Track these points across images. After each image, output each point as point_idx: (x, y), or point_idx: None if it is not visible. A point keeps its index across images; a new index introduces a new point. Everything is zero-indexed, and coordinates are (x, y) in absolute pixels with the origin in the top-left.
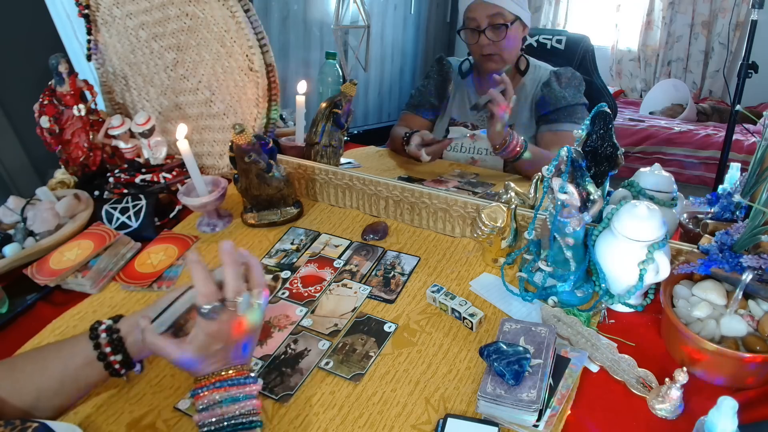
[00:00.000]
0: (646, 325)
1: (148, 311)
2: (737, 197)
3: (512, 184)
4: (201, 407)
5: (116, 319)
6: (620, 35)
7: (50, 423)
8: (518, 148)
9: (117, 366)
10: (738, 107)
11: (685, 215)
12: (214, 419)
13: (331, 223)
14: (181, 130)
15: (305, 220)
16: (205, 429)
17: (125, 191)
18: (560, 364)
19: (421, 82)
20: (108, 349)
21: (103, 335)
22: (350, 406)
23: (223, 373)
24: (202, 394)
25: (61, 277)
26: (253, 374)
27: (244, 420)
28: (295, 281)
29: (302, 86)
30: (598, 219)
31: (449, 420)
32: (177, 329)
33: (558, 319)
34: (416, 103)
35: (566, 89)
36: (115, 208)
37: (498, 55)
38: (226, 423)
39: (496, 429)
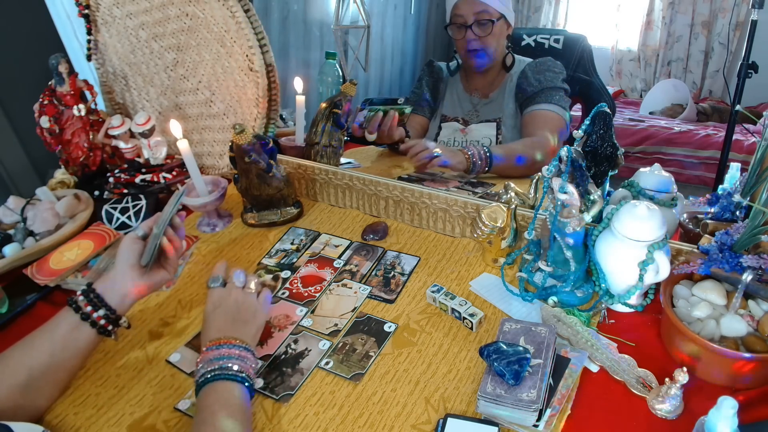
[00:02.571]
0: (646, 325)
1: (121, 259)
2: (737, 197)
3: (512, 184)
4: (198, 368)
5: (88, 285)
6: (620, 35)
7: (12, 424)
8: (485, 160)
9: (103, 322)
10: (738, 107)
11: (685, 215)
12: (207, 370)
13: (331, 223)
14: (176, 127)
15: (305, 220)
16: (200, 380)
17: (125, 191)
18: (560, 364)
19: (414, 85)
20: (89, 309)
21: (81, 298)
22: (350, 406)
23: (221, 338)
24: (200, 359)
25: (61, 277)
26: (251, 349)
27: (232, 374)
28: (295, 281)
29: (299, 84)
30: (598, 219)
31: (449, 420)
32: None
33: (558, 319)
34: (412, 103)
35: (542, 75)
36: (115, 208)
37: (483, 50)
38: (216, 373)
39: (496, 429)
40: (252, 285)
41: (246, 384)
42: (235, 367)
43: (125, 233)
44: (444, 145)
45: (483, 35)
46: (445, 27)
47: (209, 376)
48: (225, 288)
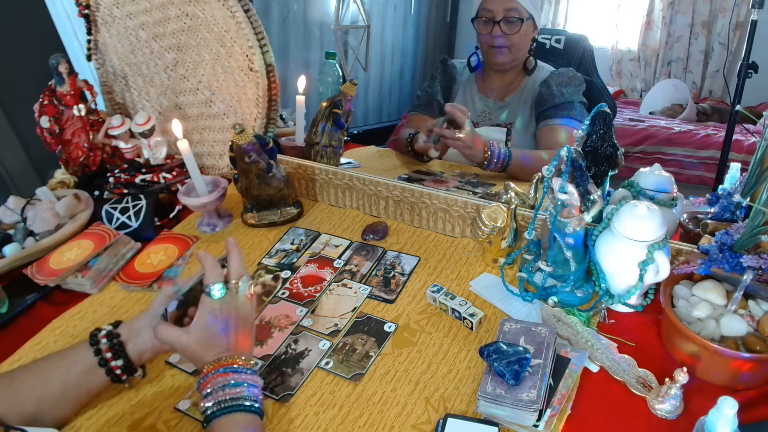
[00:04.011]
0: (646, 325)
1: (151, 312)
2: (737, 197)
3: (512, 184)
4: (205, 393)
5: (115, 324)
6: (620, 35)
7: (29, 429)
8: (503, 158)
9: (118, 372)
10: (738, 107)
11: (685, 215)
12: (216, 401)
13: (331, 223)
14: (177, 127)
15: (305, 220)
16: (209, 412)
17: (125, 191)
18: (560, 364)
19: (427, 83)
20: (109, 355)
21: (104, 341)
22: (350, 406)
23: (226, 359)
24: (206, 381)
25: (61, 277)
26: (254, 369)
27: (246, 403)
28: (295, 281)
29: (302, 82)
30: (598, 219)
31: (449, 420)
32: (182, 315)
33: (558, 319)
34: (423, 104)
35: (565, 87)
36: (115, 208)
37: (507, 48)
38: (227, 404)
39: (496, 429)
40: (251, 289)
41: (258, 411)
42: (251, 396)
43: (125, 233)
44: (473, 131)
45: (510, 33)
46: (472, 20)
47: (225, 406)
48: (227, 300)
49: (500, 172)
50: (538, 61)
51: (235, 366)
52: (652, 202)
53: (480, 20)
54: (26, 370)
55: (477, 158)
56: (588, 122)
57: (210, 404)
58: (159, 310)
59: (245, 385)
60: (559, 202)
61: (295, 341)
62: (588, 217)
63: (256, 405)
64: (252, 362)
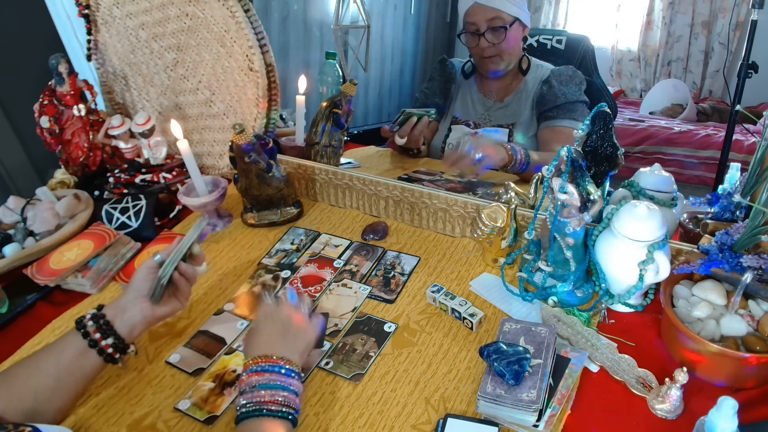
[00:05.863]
0: (646, 325)
1: (134, 287)
2: (737, 197)
3: (512, 184)
4: (241, 390)
5: (99, 308)
6: (620, 35)
7: (42, 426)
8: (523, 159)
9: (110, 350)
10: (738, 107)
11: (685, 215)
12: (252, 401)
13: (331, 223)
14: (176, 128)
15: (305, 220)
16: (243, 410)
17: (125, 191)
18: (560, 364)
19: (425, 84)
20: (97, 335)
21: (90, 323)
22: (350, 406)
23: (270, 356)
24: (245, 377)
25: (61, 277)
26: (298, 372)
27: (272, 407)
28: (295, 281)
29: (302, 82)
30: (598, 219)
31: (449, 420)
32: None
33: (558, 319)
34: (421, 105)
35: (566, 87)
36: (115, 208)
37: (498, 56)
38: (260, 407)
39: (496, 429)
40: (304, 306)
41: (290, 417)
42: (284, 401)
43: (125, 233)
44: (481, 138)
45: (497, 42)
46: (458, 35)
47: (252, 408)
48: (277, 303)
49: (519, 173)
50: (534, 59)
51: (272, 365)
52: (652, 202)
53: (466, 34)
54: (18, 365)
55: (504, 162)
56: (588, 122)
57: (244, 402)
58: (142, 287)
59: (279, 386)
60: (559, 202)
61: None
62: (588, 217)
63: (284, 410)
64: (294, 364)
